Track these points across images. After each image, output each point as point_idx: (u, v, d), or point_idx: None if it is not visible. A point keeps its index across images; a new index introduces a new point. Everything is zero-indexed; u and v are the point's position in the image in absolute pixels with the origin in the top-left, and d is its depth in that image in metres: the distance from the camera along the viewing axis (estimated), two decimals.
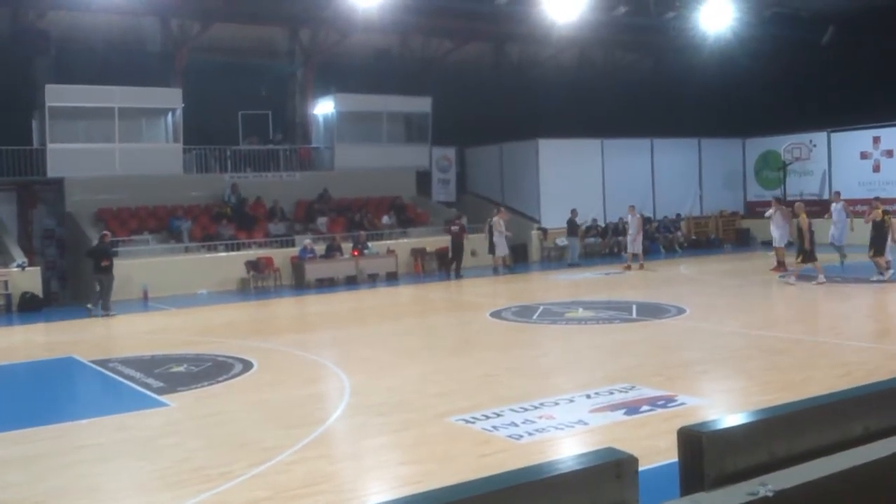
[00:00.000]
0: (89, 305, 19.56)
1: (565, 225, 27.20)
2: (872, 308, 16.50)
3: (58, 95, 23.43)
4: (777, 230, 22.42)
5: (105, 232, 21.14)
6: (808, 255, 18.95)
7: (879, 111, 27.45)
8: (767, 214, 22.86)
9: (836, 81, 30.11)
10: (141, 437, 8.65)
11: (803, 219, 19.19)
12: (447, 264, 25.36)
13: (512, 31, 30.11)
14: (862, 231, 21.03)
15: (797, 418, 3.15)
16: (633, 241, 24.40)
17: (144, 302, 21.57)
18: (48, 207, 25.28)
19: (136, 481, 7.29)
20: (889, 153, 29.19)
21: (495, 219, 25.23)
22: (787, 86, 31.20)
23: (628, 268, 24.19)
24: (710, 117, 31.89)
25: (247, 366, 12.15)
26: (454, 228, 25.44)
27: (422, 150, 30.28)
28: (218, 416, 9.40)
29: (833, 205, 22.56)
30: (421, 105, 29.70)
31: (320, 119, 29.97)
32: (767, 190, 32.44)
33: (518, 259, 28.48)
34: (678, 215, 31.36)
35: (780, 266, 21.77)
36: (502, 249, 25.29)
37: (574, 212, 27.15)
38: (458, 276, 24.62)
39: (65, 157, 23.79)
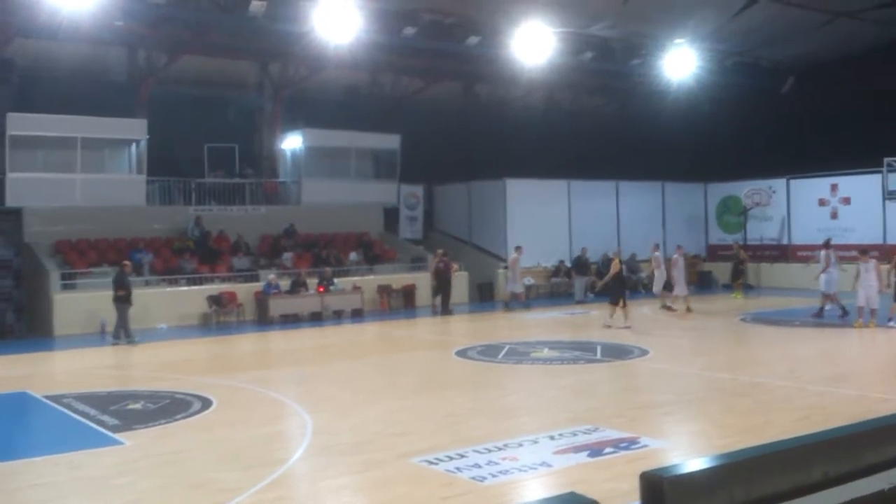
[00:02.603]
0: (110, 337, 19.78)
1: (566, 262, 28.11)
2: (832, 352, 16.68)
3: (19, 124, 23.13)
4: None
5: (125, 262, 20.92)
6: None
7: (837, 159, 28.04)
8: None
9: (796, 130, 30.77)
10: (93, 476, 8.44)
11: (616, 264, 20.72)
12: (433, 300, 25.45)
13: (481, 72, 30.42)
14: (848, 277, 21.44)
15: (757, 464, 3.15)
16: (679, 282, 23.81)
17: (102, 336, 21.19)
18: (5, 237, 24.80)
19: None
20: (846, 200, 29.76)
21: (514, 255, 25.77)
22: (748, 133, 31.81)
23: (688, 310, 23.08)
24: (673, 162, 32.36)
25: (206, 403, 11.95)
26: (440, 265, 25.43)
27: (390, 186, 30.33)
28: (174, 456, 9.21)
29: (822, 252, 22.66)
30: (389, 142, 29.80)
31: (288, 154, 29.93)
32: (728, 234, 32.90)
33: (484, 298, 28.51)
34: (633, 255, 31.60)
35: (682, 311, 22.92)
36: (516, 286, 25.74)
37: (584, 249, 28.30)
38: (447, 312, 24.54)
39: (25, 186, 23.45)
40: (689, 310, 23.05)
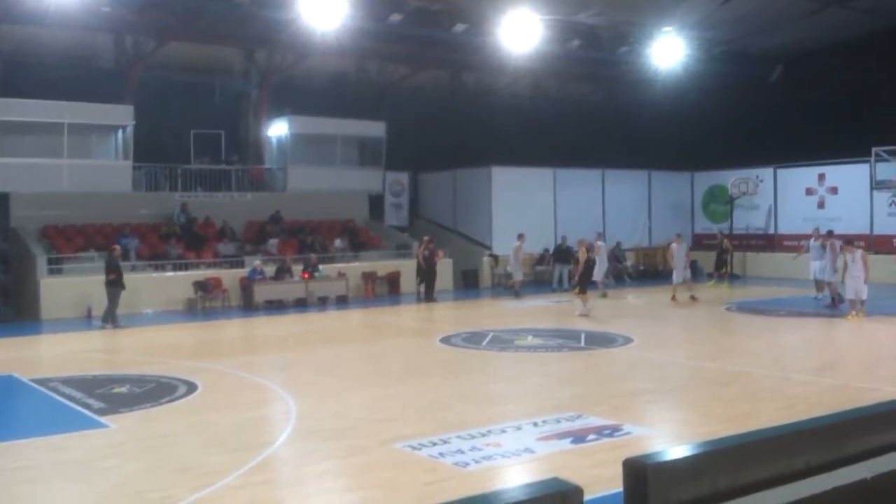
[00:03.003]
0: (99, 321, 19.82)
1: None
2: (817, 342, 16.82)
3: (6, 109, 22.94)
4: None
5: (114, 246, 20.94)
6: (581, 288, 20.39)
7: (824, 149, 28.13)
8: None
9: (783, 119, 30.86)
10: (79, 458, 8.43)
11: (582, 252, 20.78)
12: (418, 287, 25.47)
13: (468, 60, 30.33)
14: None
15: (741, 451, 3.18)
16: (685, 269, 23.78)
17: (88, 320, 21.13)
18: None
19: None
20: (833, 190, 29.90)
21: (517, 243, 25.82)
22: (735, 122, 31.85)
23: (693, 299, 23.00)
24: (660, 150, 32.40)
25: (191, 388, 11.95)
26: (426, 253, 25.41)
27: (375, 174, 30.26)
28: (160, 439, 9.21)
29: (811, 241, 22.86)
30: (375, 129, 29.71)
31: (274, 140, 29.80)
32: (714, 223, 33.00)
33: (469, 285, 28.54)
34: (618, 244, 31.71)
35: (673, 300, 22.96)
36: (519, 274, 25.81)
37: (563, 238, 28.42)
38: (432, 299, 24.54)
39: (11, 171, 23.28)
40: (692, 298, 22.86)
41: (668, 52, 29.14)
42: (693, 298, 22.83)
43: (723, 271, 27.83)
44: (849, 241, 19.90)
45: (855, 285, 18.51)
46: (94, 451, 8.72)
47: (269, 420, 10.36)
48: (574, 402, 10.40)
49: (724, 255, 27.90)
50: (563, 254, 28.45)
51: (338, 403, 10.85)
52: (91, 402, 11.12)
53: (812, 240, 22.87)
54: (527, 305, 23.44)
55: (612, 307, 23.51)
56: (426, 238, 26.41)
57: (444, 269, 27.31)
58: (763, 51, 32.45)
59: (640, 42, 29.39)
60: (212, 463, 8.04)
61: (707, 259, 31.04)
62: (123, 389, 12.00)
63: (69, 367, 14.13)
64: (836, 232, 24.26)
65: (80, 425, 9.90)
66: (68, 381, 12.62)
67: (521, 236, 26.20)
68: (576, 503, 2.43)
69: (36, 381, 12.86)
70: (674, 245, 23.97)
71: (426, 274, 25.21)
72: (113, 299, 19.67)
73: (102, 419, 10.12)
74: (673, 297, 22.99)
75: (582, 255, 20.83)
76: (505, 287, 26.93)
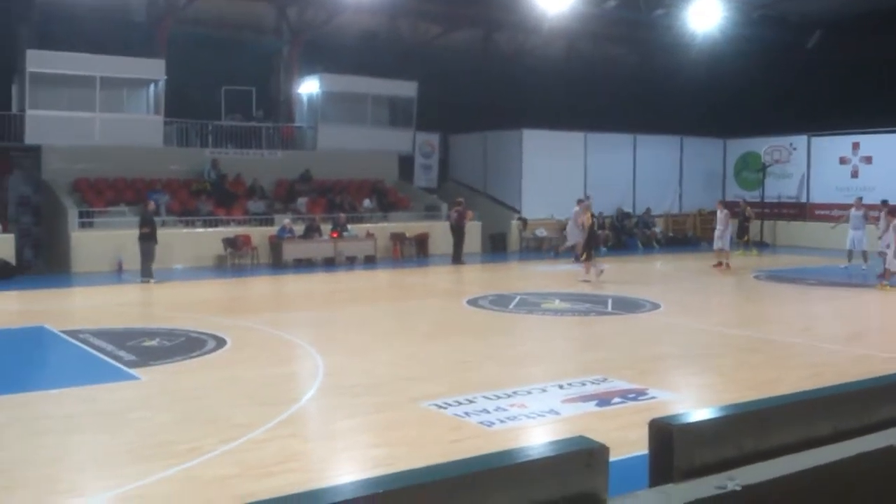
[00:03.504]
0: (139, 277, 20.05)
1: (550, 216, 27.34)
2: (846, 311, 16.66)
3: (39, 61, 23.08)
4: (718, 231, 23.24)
5: (149, 201, 21.26)
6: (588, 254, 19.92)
7: (860, 117, 27.64)
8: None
9: (819, 86, 30.31)
10: (109, 409, 8.58)
11: (588, 217, 20.25)
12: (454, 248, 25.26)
13: (501, 19, 30.03)
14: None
15: (766, 415, 3.17)
16: (721, 237, 23.32)
17: (119, 274, 21.41)
18: (24, 174, 24.95)
19: (101, 454, 7.24)
20: (868, 159, 29.43)
21: (576, 209, 25.23)
22: (770, 88, 31.36)
23: (719, 265, 22.80)
24: (693, 116, 32.01)
25: (220, 343, 12.09)
26: (453, 214, 25.33)
27: (405, 134, 30.18)
28: (189, 392, 9.35)
29: (853, 211, 22.59)
30: (407, 89, 29.57)
31: (304, 98, 29.76)
32: (747, 191, 32.64)
33: (497, 248, 28.53)
34: (647, 210, 31.52)
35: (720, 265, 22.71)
36: (574, 238, 25.06)
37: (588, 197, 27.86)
38: (460, 261, 24.52)
39: (44, 124, 23.46)
40: (727, 265, 22.62)
41: (705, 15, 28.60)
42: (721, 265, 22.64)
43: (745, 238, 27.57)
44: (892, 210, 19.41)
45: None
46: (124, 402, 8.88)
47: (297, 376, 10.48)
48: (600, 366, 10.41)
49: (746, 223, 27.60)
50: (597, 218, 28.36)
51: (365, 361, 10.95)
52: (121, 354, 11.30)
53: (854, 209, 22.55)
54: (555, 270, 23.40)
55: (641, 273, 23.45)
56: (459, 199, 26.30)
57: (473, 231, 27.28)
58: (801, 16, 31.80)
59: (677, 4, 28.90)
60: (240, 416, 8.15)
61: (736, 227, 30.74)
62: (154, 343, 12.17)
63: (100, 320, 14.34)
64: (870, 202, 23.92)
65: (111, 377, 10.06)
66: (99, 334, 12.82)
67: (580, 201, 25.63)
68: (601, 461, 2.44)
69: (67, 332, 13.07)
70: (718, 212, 23.63)
71: (455, 235, 25.14)
72: (147, 254, 19.90)
73: (133, 371, 10.28)
74: (718, 264, 22.77)
75: (586, 220, 20.28)
76: (556, 253, 26.35)
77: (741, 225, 27.28)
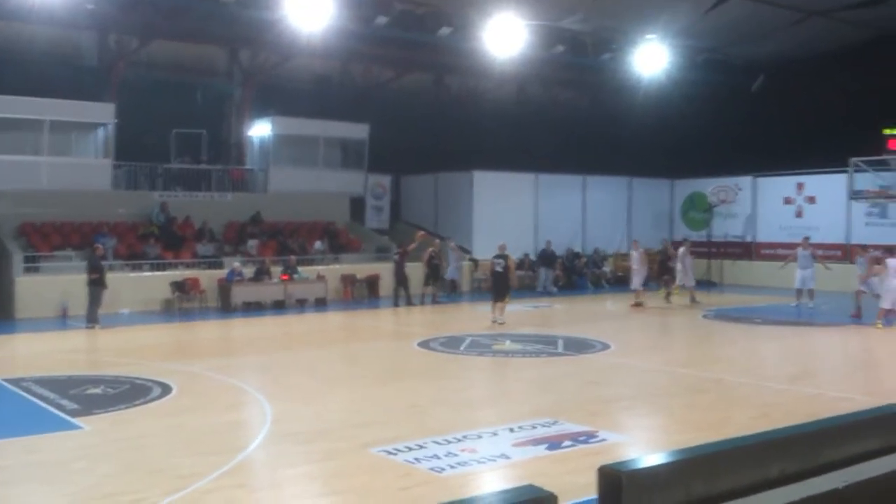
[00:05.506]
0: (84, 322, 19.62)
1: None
2: (794, 350, 16.90)
3: None
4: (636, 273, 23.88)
5: (97, 245, 20.96)
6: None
7: (803, 158, 28.33)
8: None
9: (764, 128, 31.07)
10: (51, 460, 8.33)
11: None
12: (424, 287, 25.24)
13: (453, 64, 30.35)
14: (825, 276, 22.67)
15: (716, 459, 3.17)
16: (636, 276, 23.92)
17: (64, 320, 20.93)
18: None
19: None
20: (811, 199, 30.13)
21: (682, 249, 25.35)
22: (716, 130, 32.02)
23: (639, 305, 23.20)
24: (642, 157, 32.53)
25: (166, 389, 11.84)
26: (395, 257, 25.27)
27: (357, 176, 30.19)
28: (134, 441, 9.11)
29: (800, 250, 23.11)
30: (358, 131, 29.65)
31: (256, 141, 29.67)
32: (693, 230, 33.17)
33: (448, 289, 28.48)
34: (596, 250, 31.90)
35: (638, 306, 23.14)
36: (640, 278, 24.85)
37: (549, 242, 28.68)
38: (409, 303, 24.35)
39: None
40: (640, 304, 23.16)
41: (651, 59, 29.29)
42: (638, 305, 23.07)
43: (666, 278, 27.97)
44: (889, 249, 19.78)
45: (893, 297, 18.01)
46: (67, 452, 8.62)
47: (244, 423, 10.29)
48: (550, 408, 10.39)
49: (667, 263, 28.02)
50: (547, 258, 28.68)
51: (314, 406, 10.79)
52: (64, 402, 11.00)
53: (801, 248, 23.08)
54: (506, 310, 23.39)
55: (591, 313, 23.61)
56: (452, 241, 26.82)
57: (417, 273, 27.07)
58: (745, 60, 32.69)
59: (624, 49, 29.54)
60: (185, 466, 7.96)
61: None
62: (97, 390, 11.87)
63: (43, 367, 13.97)
64: (814, 241, 24.47)
65: (53, 426, 9.78)
66: (41, 382, 12.48)
67: (685, 242, 25.83)
68: None
69: (8, 380, 12.68)
70: (633, 252, 24.16)
71: (397, 277, 24.94)
72: (95, 299, 19.53)
73: (76, 420, 10.01)
74: (635, 304, 23.11)
75: (511, 262, 20.43)
76: (666, 297, 25.04)
77: (662, 264, 27.59)
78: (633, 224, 33.41)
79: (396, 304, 24.34)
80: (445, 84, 33.79)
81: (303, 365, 14.68)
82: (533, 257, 30.13)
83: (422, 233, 26.43)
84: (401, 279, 24.70)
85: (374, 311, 24.01)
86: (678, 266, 24.98)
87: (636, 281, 23.82)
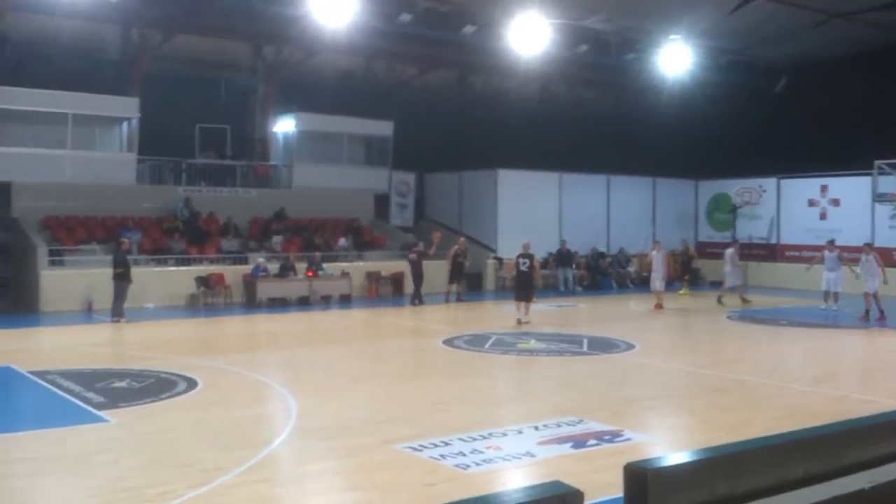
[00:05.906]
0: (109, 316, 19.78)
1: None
2: (819, 352, 16.78)
3: (10, 98, 22.94)
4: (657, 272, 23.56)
5: (122, 239, 21.14)
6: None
7: (828, 160, 28.11)
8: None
9: (787, 129, 30.83)
10: (77, 452, 8.43)
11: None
12: (449, 286, 25.08)
13: (477, 62, 30.34)
14: (851, 278, 22.24)
15: (740, 459, 3.18)
16: (658, 279, 23.56)
17: (89, 314, 21.16)
18: None
19: (68, 498, 7.10)
20: (836, 202, 29.87)
21: (730, 250, 25.28)
22: (740, 131, 31.85)
23: (659, 307, 22.94)
24: (665, 158, 32.39)
25: (191, 384, 11.95)
26: (412, 256, 25.22)
27: (381, 173, 30.28)
28: (158, 435, 9.21)
29: (826, 252, 22.85)
30: (382, 128, 29.72)
31: (280, 137, 29.82)
32: (718, 231, 33.00)
33: (472, 287, 28.51)
34: (621, 250, 31.81)
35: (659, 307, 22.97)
36: (734, 279, 24.90)
37: (564, 242, 28.78)
38: (420, 302, 24.36)
39: (13, 160, 23.29)
40: (660, 306, 22.93)
41: (674, 59, 29.14)
42: (659, 307, 22.85)
43: (686, 277, 27.88)
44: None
45: None
46: (92, 445, 8.72)
47: (269, 418, 10.36)
48: (575, 407, 10.39)
49: (688, 263, 28.03)
50: (564, 257, 28.66)
51: (339, 402, 10.85)
52: (90, 395, 11.12)
53: (827, 251, 22.82)
54: (532, 309, 23.37)
55: (616, 313, 23.54)
56: (462, 239, 26.31)
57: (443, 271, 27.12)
58: (768, 61, 32.50)
59: (648, 49, 29.41)
60: (210, 460, 8.03)
61: (710, 267, 31.01)
62: (123, 384, 12.00)
63: (68, 360, 14.14)
64: (839, 244, 24.26)
65: (79, 419, 9.89)
66: (67, 375, 12.63)
67: (734, 241, 25.76)
68: None
69: (34, 373, 12.86)
70: (653, 252, 24.00)
71: (413, 277, 24.92)
72: (120, 293, 19.70)
73: (101, 413, 10.12)
74: (656, 305, 22.99)
75: (536, 262, 20.48)
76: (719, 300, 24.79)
77: (683, 265, 27.55)
78: (657, 224, 33.28)
79: (413, 303, 24.33)
80: (469, 82, 33.80)
81: (327, 361, 14.75)
82: (554, 256, 30.09)
83: (438, 233, 26.33)
84: (418, 278, 24.72)
85: (399, 309, 24.07)
86: (726, 268, 24.86)
87: (658, 282, 23.56)
